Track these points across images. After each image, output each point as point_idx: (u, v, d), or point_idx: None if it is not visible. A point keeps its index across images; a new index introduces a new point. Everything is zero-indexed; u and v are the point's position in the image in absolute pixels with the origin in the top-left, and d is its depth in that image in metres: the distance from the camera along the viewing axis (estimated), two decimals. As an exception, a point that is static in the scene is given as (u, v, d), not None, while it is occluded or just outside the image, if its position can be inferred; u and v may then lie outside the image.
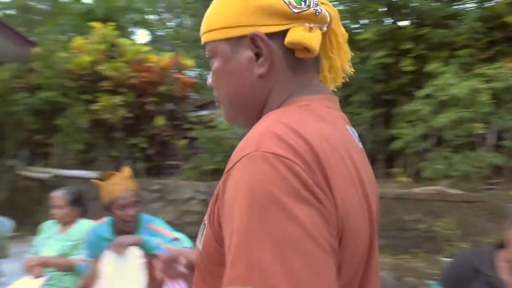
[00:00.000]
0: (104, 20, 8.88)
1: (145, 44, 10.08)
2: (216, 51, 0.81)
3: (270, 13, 0.75)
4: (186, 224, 5.75)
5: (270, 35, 0.76)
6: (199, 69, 13.49)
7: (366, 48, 5.92)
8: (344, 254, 0.66)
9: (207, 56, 0.84)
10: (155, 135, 7.42)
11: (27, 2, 15.74)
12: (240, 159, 0.65)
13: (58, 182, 6.59)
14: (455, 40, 5.65)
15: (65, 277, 2.83)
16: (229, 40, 0.78)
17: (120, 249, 2.29)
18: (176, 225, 3.37)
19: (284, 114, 0.72)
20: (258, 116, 0.78)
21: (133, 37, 13.81)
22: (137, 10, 13.78)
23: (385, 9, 6.15)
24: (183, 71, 8.26)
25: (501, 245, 1.65)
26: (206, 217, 0.76)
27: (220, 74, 0.82)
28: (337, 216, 0.64)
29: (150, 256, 2.30)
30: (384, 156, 5.92)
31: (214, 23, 0.80)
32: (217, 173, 6.24)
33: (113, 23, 8.02)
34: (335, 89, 0.90)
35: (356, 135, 0.83)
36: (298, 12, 0.75)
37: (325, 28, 0.81)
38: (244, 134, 0.71)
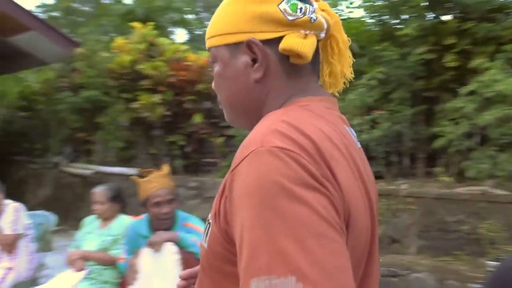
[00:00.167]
0: (144, 20, 9.04)
1: (184, 43, 10.20)
2: (217, 56, 0.84)
3: (267, 20, 0.78)
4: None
5: (266, 41, 0.79)
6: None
7: (407, 44, 5.77)
8: (348, 244, 0.66)
9: (210, 61, 0.87)
10: (192, 132, 7.50)
11: (70, 4, 16.31)
12: (246, 156, 0.67)
13: (99, 179, 6.79)
14: (501, 34, 5.41)
15: (105, 271, 2.91)
16: (228, 46, 0.82)
17: (156, 247, 2.33)
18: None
19: (285, 114, 0.74)
20: (258, 118, 0.79)
21: (172, 36, 14.02)
22: (176, 9, 13.97)
23: (427, 3, 5.95)
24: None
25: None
26: (210, 215, 0.77)
27: (220, 78, 0.85)
28: (343, 206, 0.66)
29: (185, 253, 2.32)
30: (425, 155, 5.76)
31: (215, 29, 0.85)
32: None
33: (152, 23, 8.14)
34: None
35: (355, 135, 0.85)
36: (293, 19, 0.78)
37: (322, 35, 0.82)
38: None
